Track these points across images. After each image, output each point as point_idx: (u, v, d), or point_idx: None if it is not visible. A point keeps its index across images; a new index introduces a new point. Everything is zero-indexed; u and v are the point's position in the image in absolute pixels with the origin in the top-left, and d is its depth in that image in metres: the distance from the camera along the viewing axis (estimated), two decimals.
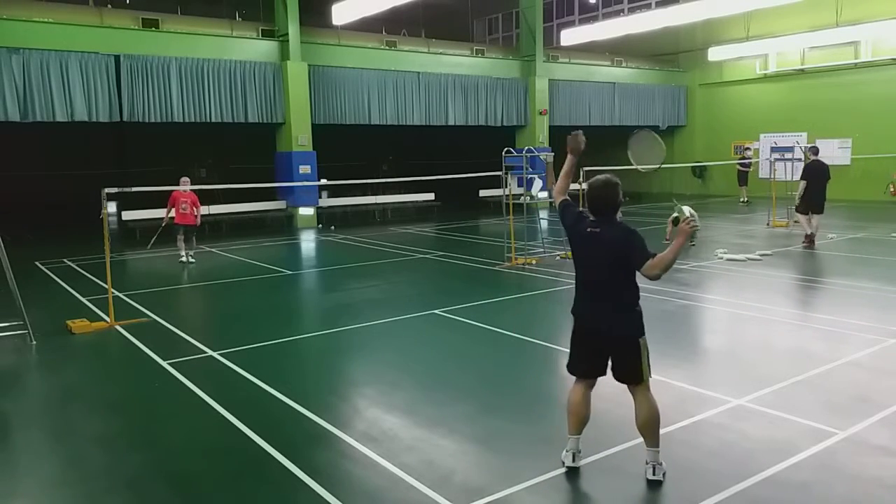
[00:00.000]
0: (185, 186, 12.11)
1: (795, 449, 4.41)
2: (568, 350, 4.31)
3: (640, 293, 4.11)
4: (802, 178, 13.01)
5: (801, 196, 12.89)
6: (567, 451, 4.25)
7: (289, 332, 7.91)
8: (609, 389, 5.71)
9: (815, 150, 13.47)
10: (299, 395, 5.65)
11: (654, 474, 4.06)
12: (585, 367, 4.28)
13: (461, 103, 21.79)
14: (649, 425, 4.10)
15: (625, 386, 4.20)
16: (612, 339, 4.13)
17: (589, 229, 4.13)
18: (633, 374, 4.10)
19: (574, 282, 4.28)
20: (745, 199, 21.85)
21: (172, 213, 12.70)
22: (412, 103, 20.70)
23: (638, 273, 4.00)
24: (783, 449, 4.41)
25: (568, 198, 4.44)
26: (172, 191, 12.29)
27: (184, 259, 12.77)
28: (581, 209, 4.33)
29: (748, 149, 22.92)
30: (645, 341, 4.10)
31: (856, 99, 22.04)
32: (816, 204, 12.83)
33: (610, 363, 4.18)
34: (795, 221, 14.04)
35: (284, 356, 6.96)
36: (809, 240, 12.77)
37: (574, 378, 4.34)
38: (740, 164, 21.79)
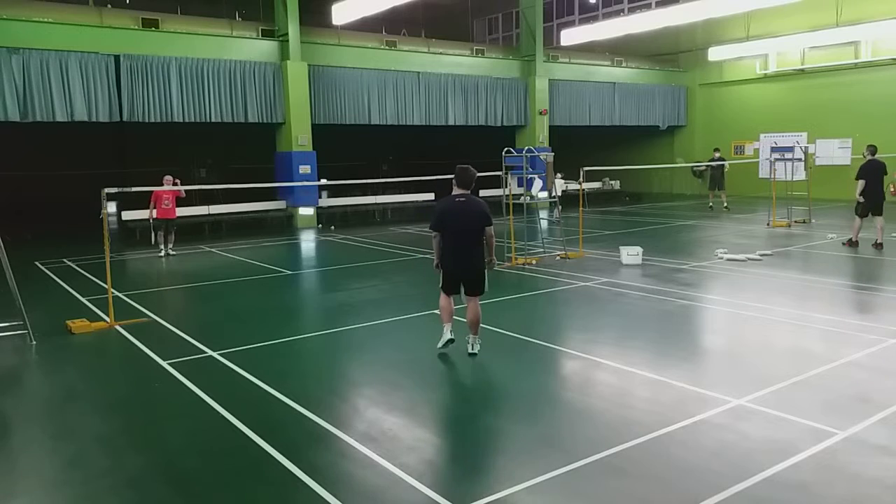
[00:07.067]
0: (168, 186, 13.01)
1: (795, 449, 4.41)
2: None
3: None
4: (858, 177, 12.56)
5: (860, 196, 12.44)
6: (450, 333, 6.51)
7: (289, 332, 7.91)
8: (609, 389, 5.75)
9: (873, 150, 12.74)
10: (299, 395, 5.65)
11: (472, 348, 6.41)
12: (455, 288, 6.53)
13: (461, 103, 21.77)
14: (477, 321, 6.46)
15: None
16: (469, 271, 6.40)
17: (457, 200, 6.33)
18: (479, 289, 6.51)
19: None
20: (723, 204, 20.00)
21: (154, 213, 13.73)
22: (412, 103, 20.69)
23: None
24: (783, 449, 4.41)
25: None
26: (153, 191, 13.16)
27: (163, 254, 13.60)
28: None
29: (717, 150, 21.57)
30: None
31: (856, 99, 22.03)
32: (876, 205, 12.39)
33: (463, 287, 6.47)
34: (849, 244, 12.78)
35: (285, 356, 6.95)
36: (850, 243, 12.58)
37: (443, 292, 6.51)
38: (694, 167, 20.71)
